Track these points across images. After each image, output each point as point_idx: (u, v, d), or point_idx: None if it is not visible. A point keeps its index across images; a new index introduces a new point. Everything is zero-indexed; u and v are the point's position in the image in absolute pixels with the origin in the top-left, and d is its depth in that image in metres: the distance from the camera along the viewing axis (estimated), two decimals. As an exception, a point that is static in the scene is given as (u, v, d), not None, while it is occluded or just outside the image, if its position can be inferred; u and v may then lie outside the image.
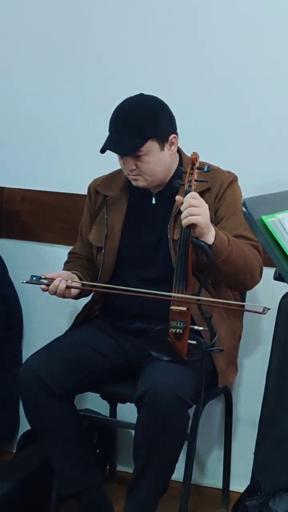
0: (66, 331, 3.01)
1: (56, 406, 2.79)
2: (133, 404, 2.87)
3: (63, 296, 2.83)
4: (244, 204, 2.12)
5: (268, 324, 3.01)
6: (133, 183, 2.87)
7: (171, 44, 3.22)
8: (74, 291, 2.85)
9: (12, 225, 3.51)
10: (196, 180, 2.69)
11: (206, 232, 2.66)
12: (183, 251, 2.67)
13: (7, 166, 3.50)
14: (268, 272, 2.96)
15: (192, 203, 2.63)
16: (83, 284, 2.89)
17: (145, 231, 2.91)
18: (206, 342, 2.71)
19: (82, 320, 3.01)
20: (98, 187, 3.00)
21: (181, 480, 2.90)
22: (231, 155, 3.11)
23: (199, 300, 2.68)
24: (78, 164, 3.39)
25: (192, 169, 2.70)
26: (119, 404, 3.23)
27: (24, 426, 3.36)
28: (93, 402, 3.24)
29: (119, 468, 3.38)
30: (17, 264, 3.46)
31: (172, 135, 2.83)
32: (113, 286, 2.75)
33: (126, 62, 3.29)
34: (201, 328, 2.71)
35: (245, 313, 3.07)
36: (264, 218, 2.13)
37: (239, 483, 3.09)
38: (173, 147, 2.84)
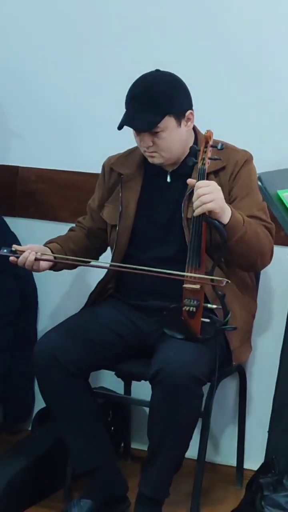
0: (80, 310, 3.02)
1: (71, 384, 2.80)
2: (148, 382, 2.88)
3: (32, 268, 2.84)
4: (259, 179, 2.13)
5: (282, 303, 3.01)
6: (150, 160, 2.86)
7: (188, 20, 3.21)
8: (43, 264, 2.86)
9: (26, 204, 3.51)
10: (209, 158, 2.68)
11: (221, 213, 2.65)
12: (196, 229, 2.66)
13: (21, 146, 3.50)
14: (283, 250, 2.97)
15: (201, 193, 2.62)
16: (55, 257, 2.89)
17: (159, 210, 2.91)
18: (220, 320, 2.71)
19: (95, 298, 3.01)
20: (113, 165, 2.99)
21: (196, 458, 2.91)
22: (246, 131, 3.11)
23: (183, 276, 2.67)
24: (92, 143, 3.39)
25: (205, 147, 2.68)
26: (133, 382, 3.23)
27: (39, 404, 3.38)
28: (108, 380, 3.25)
29: (133, 445, 3.39)
30: (31, 243, 3.43)
31: (189, 111, 2.82)
32: (93, 261, 2.78)
33: (142, 39, 3.28)
34: (214, 306, 2.71)
35: (259, 292, 3.07)
36: (280, 192, 2.13)
37: (253, 461, 3.10)
38: (189, 123, 2.83)
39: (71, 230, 3.09)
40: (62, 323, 2.91)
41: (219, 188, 2.65)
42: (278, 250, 2.97)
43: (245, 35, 3.14)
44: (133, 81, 2.82)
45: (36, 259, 2.83)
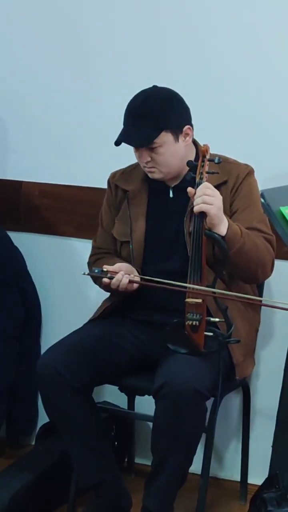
0: (84, 324, 3.02)
1: (74, 399, 2.80)
2: (151, 396, 2.88)
3: (125, 290, 2.82)
4: (262, 196, 2.13)
5: (286, 317, 3.01)
6: (149, 175, 2.88)
7: (183, 35, 3.22)
8: (135, 285, 2.84)
9: (30, 219, 3.52)
10: (207, 172, 2.69)
11: (218, 224, 2.66)
12: (196, 243, 2.67)
13: (24, 160, 3.51)
14: (286, 265, 2.97)
15: (206, 192, 2.64)
16: (141, 279, 2.85)
17: (164, 225, 2.92)
18: (223, 334, 2.71)
19: (101, 314, 3.01)
20: (118, 182, 3.01)
21: (199, 473, 2.90)
22: (248, 146, 3.11)
23: (214, 293, 2.68)
24: (96, 157, 3.39)
25: (203, 161, 2.70)
26: (137, 397, 3.23)
27: (43, 418, 3.37)
28: (111, 394, 3.25)
29: (137, 460, 3.39)
30: (36, 258, 3.47)
31: (187, 126, 2.83)
32: (168, 281, 2.68)
33: (140, 55, 3.29)
34: (217, 319, 2.72)
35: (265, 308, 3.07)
36: (282, 209, 2.13)
37: (257, 476, 3.09)
38: (187, 138, 2.84)
39: (99, 258, 3.03)
40: (65, 338, 2.91)
41: (221, 198, 2.66)
42: (281, 265, 2.98)
43: (245, 47, 3.14)
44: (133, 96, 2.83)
45: (130, 281, 2.81)
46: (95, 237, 3.10)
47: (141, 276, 2.85)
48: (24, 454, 3.27)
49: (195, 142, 2.92)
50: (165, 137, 2.79)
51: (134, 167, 3.00)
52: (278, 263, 2.91)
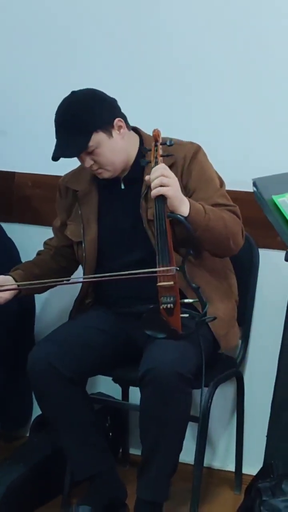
0: (70, 318, 3.03)
1: (67, 391, 2.79)
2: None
3: None
4: (254, 184, 2.13)
5: (280, 305, 3.01)
6: (99, 176, 2.88)
7: (183, 28, 3.21)
8: (4, 295, 2.90)
9: (23, 209, 3.51)
10: (162, 156, 2.69)
11: (179, 204, 2.66)
12: (160, 226, 2.66)
13: (17, 151, 3.50)
14: (279, 255, 2.96)
15: (163, 173, 2.63)
16: (18, 285, 2.92)
17: (120, 217, 2.92)
18: (198, 314, 2.71)
19: (75, 314, 3.03)
20: (68, 183, 3.01)
21: (193, 463, 2.90)
22: (241, 135, 3.10)
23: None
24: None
25: (155, 145, 2.70)
26: (131, 388, 3.23)
27: (37, 410, 3.37)
28: (106, 385, 3.25)
29: (132, 451, 3.39)
30: (29, 248, 3.45)
31: (117, 119, 2.82)
32: (67, 279, 2.85)
33: (141, 46, 3.27)
34: (191, 300, 2.71)
35: (256, 294, 3.06)
36: (275, 197, 2.13)
37: (252, 466, 3.09)
38: (122, 130, 2.83)
39: (38, 254, 3.13)
40: (55, 331, 2.91)
41: (177, 179, 2.66)
42: (274, 255, 2.97)
43: (241, 42, 3.14)
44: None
45: None
46: None
47: (14, 284, 2.93)
48: (18, 446, 3.27)
49: (137, 130, 2.91)
50: (98, 137, 2.79)
51: (81, 168, 2.99)
52: (271, 253, 2.91)
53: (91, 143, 2.78)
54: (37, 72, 3.45)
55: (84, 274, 2.96)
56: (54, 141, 3.40)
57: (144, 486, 2.77)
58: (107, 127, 2.80)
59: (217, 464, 3.35)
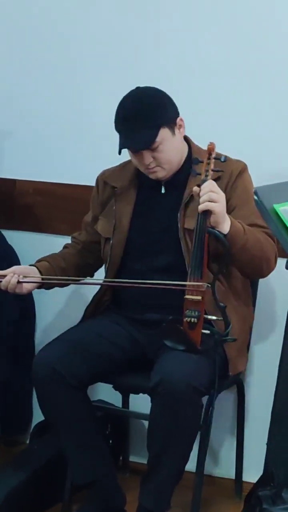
0: (78, 323, 3.02)
1: (70, 397, 2.79)
2: (146, 394, 2.88)
3: (15, 291, 2.87)
4: (255, 193, 2.13)
5: (281, 313, 3.01)
6: (152, 176, 2.86)
7: (185, 27, 3.22)
8: (27, 286, 2.88)
9: (24, 217, 3.51)
10: (213, 170, 2.69)
11: (222, 222, 2.66)
12: (199, 240, 2.67)
13: (19, 159, 3.51)
14: (280, 262, 2.97)
15: (212, 189, 2.64)
16: (42, 278, 2.91)
17: (153, 221, 2.92)
18: (219, 332, 2.71)
19: (92, 312, 3.02)
20: (107, 178, 3.01)
21: (194, 470, 2.90)
22: (242, 143, 3.11)
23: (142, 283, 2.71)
24: (90, 155, 3.39)
25: (209, 159, 2.69)
26: (131, 395, 3.23)
27: (37, 417, 3.38)
28: (106, 393, 3.24)
29: (132, 458, 3.39)
30: (30, 256, 3.44)
31: (179, 118, 2.84)
32: (86, 279, 2.82)
33: (139, 51, 3.29)
34: (214, 317, 2.71)
35: (257, 302, 3.07)
36: (276, 206, 2.13)
37: (252, 474, 3.09)
38: (181, 129, 2.85)
39: (65, 247, 3.11)
40: (61, 335, 2.91)
41: (224, 196, 2.67)
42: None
43: (243, 42, 3.14)
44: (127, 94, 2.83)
45: (19, 282, 2.85)
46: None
47: (38, 276, 2.91)
48: (19, 452, 3.27)
49: (187, 139, 2.92)
50: (164, 133, 2.79)
51: (123, 166, 3.00)
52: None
53: (157, 138, 2.77)
54: (39, 80, 3.45)
55: (106, 272, 2.95)
56: (54, 149, 3.44)
57: (147, 494, 2.77)
58: (172, 125, 2.81)
59: (217, 472, 3.34)
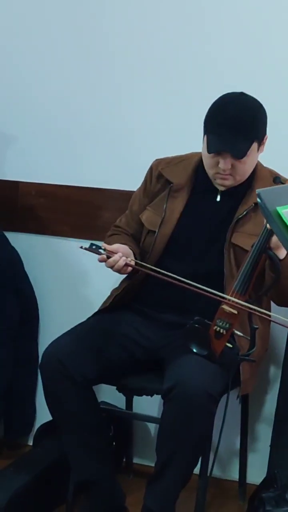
0: (92, 315, 2.98)
1: (77, 394, 2.78)
2: (149, 397, 2.88)
3: (119, 272, 2.78)
4: (258, 196, 2.12)
5: (283, 316, 3.00)
6: (219, 182, 2.82)
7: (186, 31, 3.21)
8: (129, 270, 2.80)
9: (27, 219, 3.51)
10: None
11: (281, 246, 2.61)
12: (255, 257, 2.64)
13: (22, 161, 3.50)
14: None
15: None
16: (140, 265, 2.82)
17: (202, 226, 2.88)
18: (239, 349, 2.70)
19: (116, 302, 2.96)
20: (164, 171, 2.94)
21: (198, 473, 2.89)
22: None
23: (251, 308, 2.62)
24: (92, 157, 3.38)
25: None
26: (134, 397, 3.22)
27: (41, 419, 3.38)
28: (109, 395, 3.24)
29: (136, 460, 3.39)
30: (32, 257, 3.47)
31: (266, 135, 2.82)
32: (169, 274, 2.65)
33: (142, 50, 3.28)
34: (242, 334, 2.68)
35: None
36: (279, 209, 2.12)
37: (256, 476, 3.09)
38: (263, 147, 2.83)
39: (114, 234, 3.02)
40: (71, 330, 2.88)
41: None
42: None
43: (249, 42, 3.14)
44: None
45: (126, 265, 2.77)
46: (120, 217, 3.06)
47: (136, 261, 2.83)
48: (22, 455, 3.26)
49: None
50: (253, 147, 2.76)
51: (181, 160, 2.95)
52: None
53: (248, 151, 2.75)
54: (41, 83, 3.45)
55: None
56: (57, 151, 3.44)
57: (153, 496, 2.76)
58: (260, 141, 2.79)
59: (221, 474, 3.34)
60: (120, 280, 2.99)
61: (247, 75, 3.12)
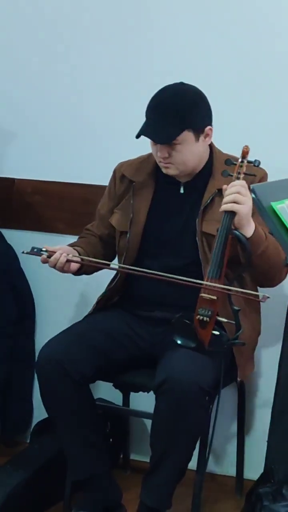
0: (85, 317, 3.00)
1: (74, 391, 2.79)
2: (146, 393, 2.88)
3: (62, 270, 2.83)
4: (253, 191, 2.12)
5: (280, 312, 3.01)
6: (164, 170, 2.85)
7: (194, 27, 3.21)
8: (74, 266, 2.85)
9: (22, 215, 3.51)
10: (245, 173, 2.67)
11: (246, 224, 2.64)
12: (222, 240, 2.65)
13: (17, 158, 3.50)
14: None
15: (240, 191, 2.62)
16: (82, 259, 2.88)
17: (171, 220, 2.90)
18: (227, 335, 2.70)
19: (103, 303, 2.99)
20: (125, 172, 2.97)
21: (195, 468, 2.90)
22: (242, 141, 3.10)
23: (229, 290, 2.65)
24: (88, 155, 3.38)
25: (242, 161, 2.68)
26: (131, 393, 3.22)
27: (38, 416, 3.38)
28: (105, 391, 3.24)
29: (133, 456, 3.39)
30: (28, 255, 3.46)
31: (208, 127, 2.81)
32: (116, 264, 2.72)
33: (143, 48, 3.28)
34: (225, 320, 2.70)
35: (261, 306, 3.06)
36: (274, 204, 2.13)
37: (253, 471, 3.09)
38: (207, 138, 2.82)
39: (81, 237, 3.08)
40: (66, 329, 2.90)
41: (251, 199, 2.62)
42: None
43: (249, 39, 3.14)
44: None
45: (68, 261, 2.82)
46: (93, 222, 3.10)
47: (82, 257, 2.87)
48: (19, 452, 3.26)
49: (210, 145, 2.89)
50: (187, 136, 2.76)
51: (143, 160, 2.97)
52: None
53: (178, 138, 2.74)
54: (39, 80, 3.44)
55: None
56: (52, 148, 3.44)
57: (148, 492, 2.78)
58: (198, 131, 2.78)
59: (218, 469, 3.35)
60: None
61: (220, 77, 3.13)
